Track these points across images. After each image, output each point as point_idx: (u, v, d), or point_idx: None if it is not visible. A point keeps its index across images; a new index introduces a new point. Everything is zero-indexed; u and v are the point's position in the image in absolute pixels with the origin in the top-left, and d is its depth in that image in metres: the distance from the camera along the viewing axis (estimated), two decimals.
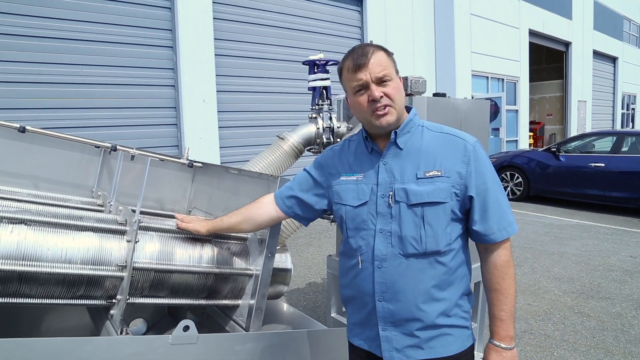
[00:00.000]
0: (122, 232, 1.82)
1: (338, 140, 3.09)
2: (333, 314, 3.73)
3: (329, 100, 3.08)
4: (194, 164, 2.44)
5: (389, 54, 1.58)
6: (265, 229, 2.03)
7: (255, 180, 2.21)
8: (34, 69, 6.36)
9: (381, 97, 1.52)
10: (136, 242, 1.72)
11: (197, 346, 1.79)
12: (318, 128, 3.03)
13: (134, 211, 1.80)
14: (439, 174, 1.53)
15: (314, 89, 3.10)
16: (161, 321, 2.86)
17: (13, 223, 1.61)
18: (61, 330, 2.61)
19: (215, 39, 8.09)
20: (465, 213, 1.58)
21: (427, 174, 1.53)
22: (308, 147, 3.09)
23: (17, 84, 6.22)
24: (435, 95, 3.16)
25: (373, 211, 1.57)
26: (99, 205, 2.26)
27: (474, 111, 3.30)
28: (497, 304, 1.56)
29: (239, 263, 2.11)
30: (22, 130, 2.11)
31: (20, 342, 1.38)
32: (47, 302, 1.69)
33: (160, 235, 1.93)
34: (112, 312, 1.81)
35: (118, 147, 2.17)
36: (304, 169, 1.88)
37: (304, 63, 3.20)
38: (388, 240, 1.54)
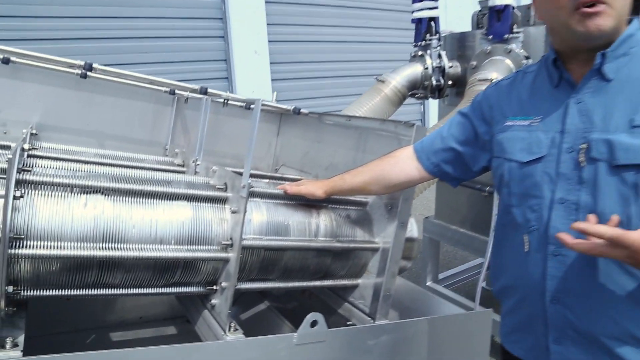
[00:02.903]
0: (222, 200, 1.38)
1: (450, 83, 2.53)
2: (429, 283, 3.29)
3: (437, 35, 2.50)
4: (301, 111, 1.94)
5: None
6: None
7: (377, 130, 1.71)
8: (79, 25, 5.98)
9: None
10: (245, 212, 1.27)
11: (325, 344, 1.38)
12: (426, 68, 2.47)
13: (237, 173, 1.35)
14: None
15: (418, 21, 2.52)
16: None
17: (87, 192, 1.19)
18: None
19: None
20: None
21: None
22: (411, 92, 2.55)
23: (62, 41, 5.87)
24: None
25: (552, 171, 1.09)
26: (178, 165, 1.83)
27: None
28: None
29: (361, 235, 1.66)
30: (84, 76, 1.68)
31: (114, 354, 0.99)
32: (134, 292, 1.30)
33: (267, 203, 1.48)
34: (214, 301, 1.40)
35: (209, 90, 1.70)
36: (459, 112, 1.37)
37: None
38: (572, 216, 1.05)
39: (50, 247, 1.10)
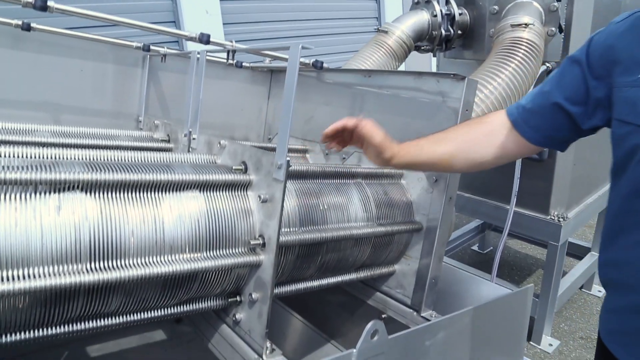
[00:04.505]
0: (244, 185, 1.03)
1: (460, 33, 2.21)
2: None
3: None
4: (323, 65, 1.56)
5: None
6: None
7: (410, 88, 1.40)
8: None
9: None
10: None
11: (384, 355, 1.10)
12: (434, 16, 2.14)
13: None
14: None
15: None
16: None
17: (59, 190, 0.81)
18: None
19: None
20: None
21: None
22: (415, 45, 2.22)
23: None
24: None
25: None
26: (162, 140, 1.45)
27: None
28: None
29: (400, 214, 1.36)
30: (27, 28, 1.25)
31: None
32: (137, 318, 0.95)
33: (295, 183, 1.15)
34: (238, 316, 1.07)
35: (212, 40, 1.29)
36: (568, 58, 1.02)
37: None
38: None
39: (12, 278, 0.73)
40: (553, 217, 2.35)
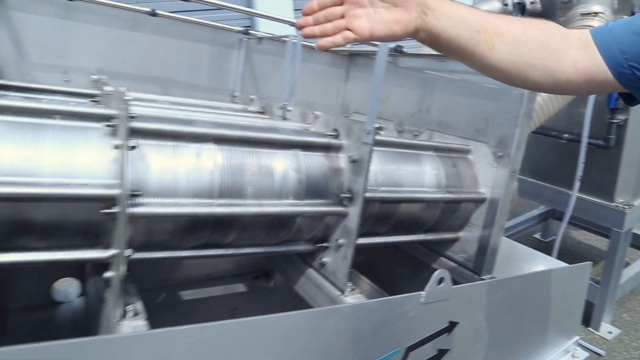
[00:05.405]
0: (336, 148, 1.22)
1: None
2: None
3: None
4: (403, 50, 1.73)
5: None
6: (510, 135, 1.42)
7: None
8: None
9: None
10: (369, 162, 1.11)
11: (446, 302, 1.26)
12: (505, 4, 2.23)
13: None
14: None
15: None
16: None
17: (197, 141, 1.04)
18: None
19: None
20: None
21: None
22: None
23: None
24: None
25: None
26: (258, 112, 1.67)
27: None
28: None
29: (467, 185, 1.51)
30: (153, 14, 1.50)
31: (248, 322, 0.87)
32: (245, 252, 1.17)
33: (377, 151, 1.32)
34: (325, 259, 1.27)
35: (299, 21, 1.50)
36: None
37: None
38: None
39: (167, 205, 0.97)
40: (618, 205, 2.38)
